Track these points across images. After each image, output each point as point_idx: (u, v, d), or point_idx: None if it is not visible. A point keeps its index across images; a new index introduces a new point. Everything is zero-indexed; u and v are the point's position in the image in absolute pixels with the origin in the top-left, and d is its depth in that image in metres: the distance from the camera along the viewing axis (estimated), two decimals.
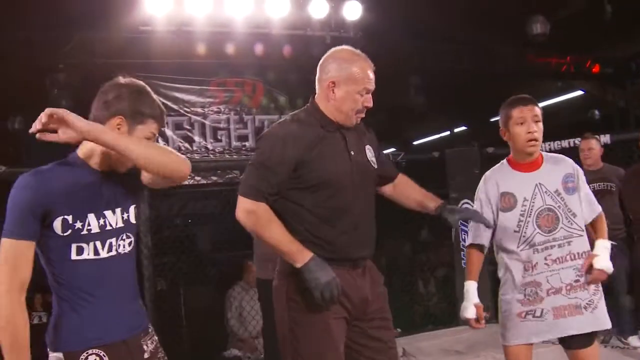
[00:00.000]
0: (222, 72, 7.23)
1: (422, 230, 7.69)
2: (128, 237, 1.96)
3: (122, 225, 1.94)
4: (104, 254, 1.89)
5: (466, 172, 5.33)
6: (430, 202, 2.58)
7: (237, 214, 2.29)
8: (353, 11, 6.54)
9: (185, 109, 7.05)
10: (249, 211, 2.27)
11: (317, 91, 2.46)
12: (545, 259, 2.62)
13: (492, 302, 3.54)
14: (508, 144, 2.78)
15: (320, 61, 2.47)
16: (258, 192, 2.27)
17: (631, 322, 4.86)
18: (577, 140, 5.30)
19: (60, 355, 1.85)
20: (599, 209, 2.81)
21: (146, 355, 1.99)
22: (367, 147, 2.49)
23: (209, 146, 7.09)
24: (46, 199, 1.78)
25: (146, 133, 1.93)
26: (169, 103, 6.79)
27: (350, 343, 2.40)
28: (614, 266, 4.83)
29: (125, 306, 1.96)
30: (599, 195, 4.78)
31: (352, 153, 2.40)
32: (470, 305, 2.64)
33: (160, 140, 6.60)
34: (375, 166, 2.49)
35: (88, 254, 1.86)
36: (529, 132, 2.63)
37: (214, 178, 6.81)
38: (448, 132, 13.41)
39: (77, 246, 1.84)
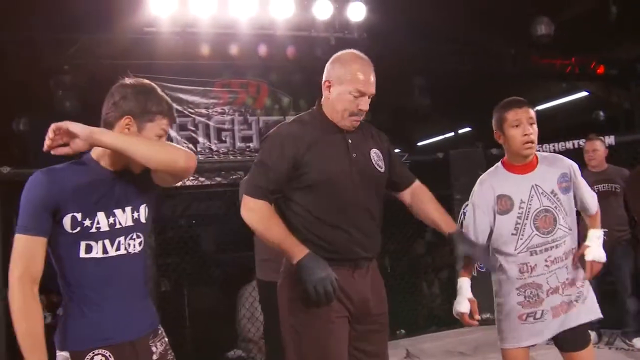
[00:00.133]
0: (227, 73, 7.24)
1: (425, 232, 7.69)
2: (138, 236, 1.98)
3: (132, 224, 1.95)
4: (112, 252, 1.90)
5: (470, 173, 5.32)
6: (444, 226, 2.58)
7: (241, 212, 2.36)
8: (357, 12, 6.54)
9: (190, 110, 7.06)
10: (250, 209, 2.33)
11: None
12: (546, 260, 2.62)
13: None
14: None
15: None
16: (259, 190, 2.33)
17: (635, 323, 4.85)
18: (582, 142, 5.30)
19: (66, 354, 1.85)
20: (595, 198, 2.84)
21: (155, 357, 1.99)
22: (374, 150, 2.50)
23: (213, 147, 7.10)
24: (58, 196, 1.81)
25: (156, 130, 1.96)
26: (173, 104, 6.79)
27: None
28: (619, 268, 4.90)
29: (134, 306, 1.96)
30: (603, 196, 4.82)
31: (354, 155, 2.42)
32: (464, 299, 2.61)
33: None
34: (382, 170, 2.49)
35: (97, 252, 1.88)
36: (525, 135, 2.63)
37: (218, 179, 6.81)
38: (452, 133, 13.40)
39: (86, 244, 1.86)
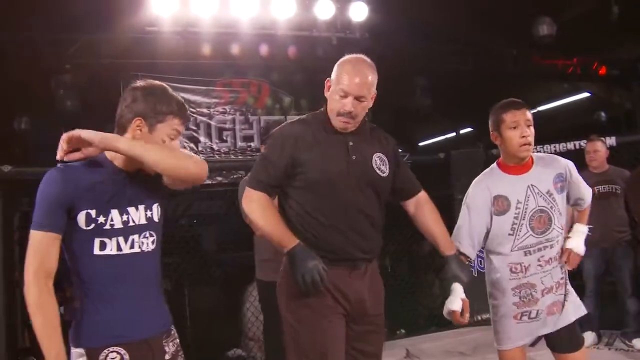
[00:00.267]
0: (228, 73, 7.23)
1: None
2: (151, 235, 2.00)
3: (145, 222, 1.98)
4: (126, 249, 1.93)
5: (471, 173, 5.26)
6: (442, 246, 2.61)
7: (242, 203, 2.47)
8: (359, 12, 6.54)
9: (191, 109, 7.06)
10: (250, 199, 2.42)
11: None
12: (539, 260, 2.63)
13: None
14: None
15: None
16: (259, 183, 2.42)
17: (635, 324, 4.85)
18: (583, 142, 5.30)
19: (81, 350, 1.87)
20: (590, 193, 2.84)
21: (167, 357, 2.01)
22: (378, 155, 2.52)
23: (215, 146, 7.09)
24: (72, 193, 1.85)
25: (168, 130, 1.98)
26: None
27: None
28: (619, 268, 4.90)
29: (148, 305, 1.98)
30: (603, 197, 4.82)
31: (353, 157, 2.45)
32: (457, 298, 2.60)
33: None
34: (384, 175, 2.51)
35: (111, 250, 1.90)
36: (523, 137, 2.63)
37: (219, 178, 6.81)
38: (454, 134, 13.39)
39: (100, 241, 1.89)
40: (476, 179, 2.80)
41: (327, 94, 2.49)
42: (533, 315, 2.64)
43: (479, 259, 2.87)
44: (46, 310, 1.81)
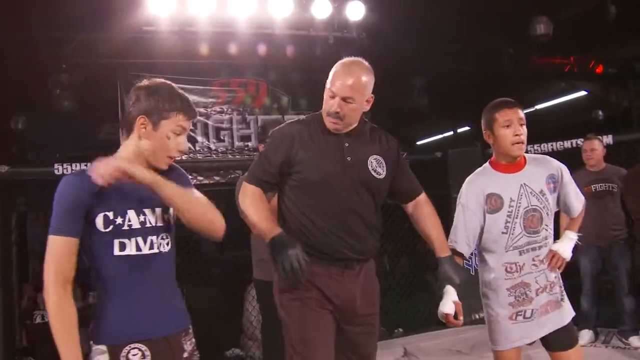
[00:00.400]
0: (225, 72, 7.22)
1: None
2: (167, 236, 2.03)
3: (162, 224, 2.01)
4: (145, 250, 1.96)
5: (468, 172, 5.28)
6: (438, 247, 2.63)
7: (238, 196, 2.54)
8: (356, 12, 6.53)
9: None
10: (243, 193, 2.48)
11: None
12: (533, 259, 2.63)
13: None
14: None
15: None
16: (253, 178, 2.49)
17: (632, 322, 4.86)
18: (580, 141, 5.31)
19: (103, 347, 1.91)
20: (583, 204, 2.82)
21: (185, 355, 2.04)
22: (374, 156, 2.53)
23: (212, 146, 7.08)
24: (88, 197, 1.88)
25: (172, 127, 2.00)
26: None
27: (335, 343, 2.47)
28: (616, 267, 4.91)
29: (167, 303, 2.02)
30: (600, 196, 4.83)
31: (348, 159, 2.47)
32: (449, 301, 2.60)
33: None
34: (380, 176, 2.52)
35: (130, 250, 1.94)
36: (516, 135, 2.63)
37: (217, 178, 6.80)
38: (451, 132, 13.39)
39: (120, 242, 1.93)
40: (469, 177, 2.80)
41: (324, 95, 2.52)
42: (528, 314, 2.65)
43: (477, 257, 2.87)
44: (65, 314, 1.86)
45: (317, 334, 2.40)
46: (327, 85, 2.48)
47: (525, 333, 2.66)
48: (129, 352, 1.90)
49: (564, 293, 2.73)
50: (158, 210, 2.00)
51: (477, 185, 2.71)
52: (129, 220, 1.93)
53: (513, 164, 2.70)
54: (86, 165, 5.11)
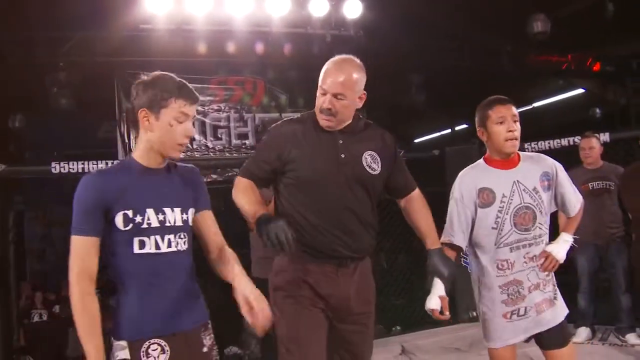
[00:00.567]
0: (223, 71, 7.22)
1: None
2: (185, 235, 2.07)
3: (181, 224, 2.05)
4: (164, 248, 2.00)
5: None
6: (428, 240, 2.64)
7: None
8: (353, 9, 6.53)
9: None
10: (235, 185, 2.51)
11: None
12: (524, 257, 2.63)
13: None
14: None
15: None
16: (246, 171, 2.53)
17: (629, 320, 4.87)
18: (577, 139, 5.31)
19: (124, 343, 1.94)
20: (581, 204, 2.81)
21: (205, 349, 2.08)
22: (369, 152, 2.53)
23: (209, 144, 7.08)
24: (107, 197, 1.92)
25: (174, 114, 2.01)
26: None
27: (329, 342, 2.48)
28: (613, 265, 4.92)
29: (186, 299, 2.05)
30: (597, 194, 4.84)
31: (343, 156, 2.47)
32: (435, 296, 2.61)
33: None
34: (374, 173, 2.52)
35: (150, 248, 1.97)
36: (509, 131, 2.63)
37: (214, 176, 6.80)
38: (449, 130, 13.39)
39: (139, 240, 1.96)
40: (462, 171, 2.79)
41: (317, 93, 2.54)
42: (522, 312, 2.64)
43: (469, 254, 2.87)
44: (89, 312, 1.89)
45: (309, 333, 2.41)
46: (319, 83, 2.49)
47: (519, 331, 2.66)
48: (149, 347, 1.94)
49: (557, 291, 2.73)
50: (177, 209, 2.04)
51: (470, 179, 2.71)
52: (148, 219, 1.97)
53: (507, 161, 2.70)
54: (84, 163, 5.12)
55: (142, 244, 1.96)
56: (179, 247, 2.03)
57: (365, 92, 2.52)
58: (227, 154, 7.06)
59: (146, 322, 1.95)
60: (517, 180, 2.65)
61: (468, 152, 5.60)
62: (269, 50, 6.79)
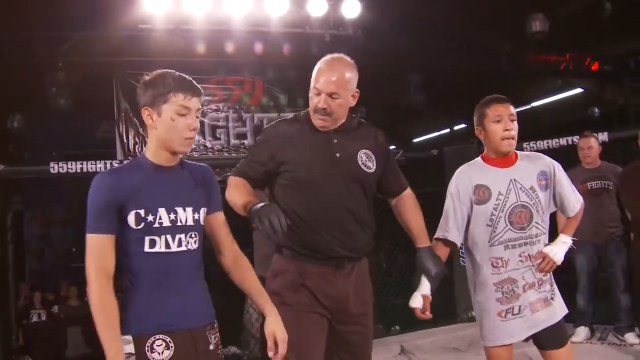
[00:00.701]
0: (221, 71, 7.23)
1: None
2: (196, 235, 2.07)
3: (192, 224, 2.05)
4: (174, 247, 2.00)
5: None
6: (417, 239, 2.66)
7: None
8: (352, 9, 6.54)
9: None
10: (229, 183, 2.49)
11: None
12: (520, 255, 2.63)
13: None
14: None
15: None
16: (239, 172, 2.51)
17: (628, 319, 4.87)
18: (575, 138, 5.32)
19: (129, 337, 1.94)
20: (581, 204, 2.81)
21: (210, 347, 2.09)
22: (364, 151, 2.53)
23: (208, 144, 7.09)
24: (121, 196, 1.93)
25: (174, 108, 2.01)
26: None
27: (328, 343, 2.47)
28: (612, 264, 4.92)
29: (193, 297, 2.06)
30: (596, 193, 4.84)
31: (338, 155, 2.47)
32: (418, 295, 2.63)
33: None
34: (370, 171, 2.52)
35: (160, 247, 1.98)
36: (506, 130, 2.63)
37: None
38: (448, 130, 13.40)
39: (150, 239, 1.97)
40: (459, 168, 2.79)
41: (309, 94, 2.53)
42: (516, 311, 2.64)
43: (464, 252, 2.87)
44: (108, 310, 1.90)
45: (308, 341, 2.39)
46: (312, 83, 2.49)
47: (514, 331, 2.65)
48: (153, 343, 1.94)
49: (555, 291, 2.71)
50: (189, 208, 2.04)
51: (466, 176, 2.72)
52: (160, 218, 1.97)
53: (504, 159, 2.70)
54: (82, 163, 5.12)
55: (152, 243, 1.97)
56: (190, 247, 2.04)
57: (358, 90, 2.52)
58: (226, 154, 7.07)
59: (152, 318, 1.96)
60: (514, 179, 2.65)
61: (467, 151, 5.59)
62: (267, 50, 6.80)
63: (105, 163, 5.05)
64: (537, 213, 2.63)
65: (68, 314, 8.06)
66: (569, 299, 2.81)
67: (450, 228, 2.70)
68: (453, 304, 5.94)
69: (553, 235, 2.79)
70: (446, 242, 2.73)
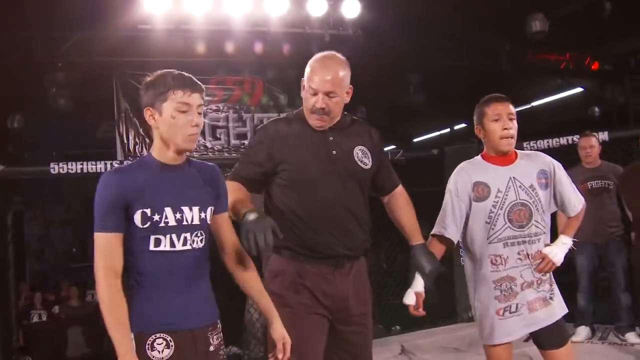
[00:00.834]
0: (221, 71, 7.22)
1: (420, 228, 7.69)
2: (202, 234, 2.07)
3: (198, 223, 2.05)
4: (179, 246, 2.00)
5: None
6: (411, 236, 2.67)
7: None
8: (352, 9, 6.53)
9: None
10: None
11: None
12: (519, 253, 2.63)
13: None
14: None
15: None
16: (235, 175, 2.49)
17: (629, 318, 4.87)
18: (576, 138, 5.31)
19: (130, 335, 1.94)
20: (582, 204, 2.80)
21: (211, 349, 2.09)
22: (360, 148, 2.54)
23: (208, 144, 7.09)
24: (127, 195, 1.94)
25: (174, 105, 2.00)
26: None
27: (328, 344, 2.47)
28: (612, 264, 4.92)
29: (196, 297, 2.05)
30: (596, 193, 4.84)
31: (334, 152, 2.47)
32: (411, 292, 2.65)
33: None
34: (366, 167, 2.53)
35: (165, 246, 1.99)
36: (505, 129, 2.63)
37: None
38: (448, 130, 13.40)
39: (155, 238, 1.97)
40: (459, 165, 2.80)
41: (302, 94, 2.52)
42: (513, 309, 2.64)
43: (463, 250, 2.87)
44: (117, 308, 1.90)
45: (309, 343, 2.38)
46: (305, 83, 2.47)
47: (512, 329, 2.65)
48: (154, 341, 1.95)
49: (555, 291, 2.70)
50: (195, 207, 2.04)
51: (465, 173, 2.72)
52: (166, 217, 1.97)
53: (504, 157, 2.70)
54: (82, 163, 5.12)
55: (157, 242, 1.97)
56: (195, 245, 2.03)
57: (351, 86, 2.51)
58: (226, 154, 7.06)
59: (154, 317, 1.96)
60: (514, 177, 2.65)
61: (467, 151, 5.58)
62: (267, 50, 6.80)
63: (105, 163, 5.05)
64: (537, 211, 2.63)
65: (68, 314, 8.06)
66: (569, 299, 2.81)
67: (448, 225, 2.70)
68: (453, 303, 5.94)
69: (553, 236, 2.78)
70: (442, 239, 2.73)
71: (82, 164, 5.09)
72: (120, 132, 6.77)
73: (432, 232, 2.77)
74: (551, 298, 2.67)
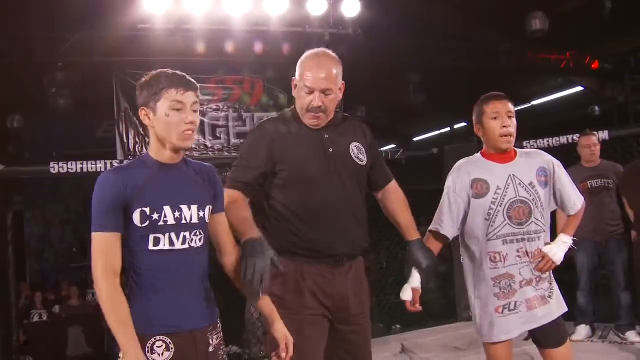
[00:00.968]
0: (221, 70, 7.22)
1: (420, 226, 7.70)
2: (201, 233, 2.06)
3: (197, 222, 2.05)
4: (178, 245, 2.00)
5: None
6: (407, 232, 2.66)
7: None
8: (351, 8, 6.54)
9: None
10: (225, 197, 2.38)
11: None
12: (518, 251, 2.62)
13: None
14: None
15: None
16: (233, 182, 2.44)
17: (629, 317, 4.87)
18: (576, 137, 5.31)
19: (134, 333, 1.93)
20: (582, 203, 2.80)
21: (211, 349, 2.08)
22: (355, 144, 2.53)
23: (208, 144, 7.09)
24: (126, 194, 1.94)
25: (168, 104, 2.01)
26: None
27: (328, 344, 2.46)
28: (612, 262, 4.91)
29: (196, 298, 2.05)
30: (596, 192, 4.84)
31: (331, 150, 2.46)
32: (408, 288, 2.64)
33: None
34: (363, 164, 2.52)
35: (164, 245, 1.98)
36: (504, 127, 2.63)
37: None
38: (448, 129, 13.40)
39: (154, 237, 1.97)
40: (457, 163, 2.79)
41: (294, 93, 2.51)
42: (512, 307, 2.64)
43: (462, 247, 2.87)
44: (118, 308, 1.89)
45: (308, 344, 2.37)
46: (298, 81, 2.47)
47: (510, 327, 2.65)
48: (154, 344, 1.94)
49: (554, 290, 2.70)
50: (194, 206, 2.04)
51: (464, 170, 2.71)
52: (165, 216, 1.97)
53: (503, 155, 2.70)
54: (82, 163, 5.12)
55: (156, 241, 1.97)
56: (194, 244, 2.03)
57: (344, 82, 2.51)
58: (226, 154, 7.06)
59: (154, 319, 1.95)
60: (513, 174, 2.65)
61: (467, 150, 5.55)
62: (267, 50, 6.80)
63: (106, 163, 5.05)
64: (537, 209, 2.63)
65: (69, 313, 8.07)
66: (569, 298, 2.81)
67: (445, 222, 2.70)
68: (454, 303, 5.94)
69: (553, 235, 2.78)
70: (439, 235, 2.73)
71: (82, 164, 5.09)
72: (120, 131, 6.78)
73: (429, 229, 2.77)
74: (550, 297, 2.67)
